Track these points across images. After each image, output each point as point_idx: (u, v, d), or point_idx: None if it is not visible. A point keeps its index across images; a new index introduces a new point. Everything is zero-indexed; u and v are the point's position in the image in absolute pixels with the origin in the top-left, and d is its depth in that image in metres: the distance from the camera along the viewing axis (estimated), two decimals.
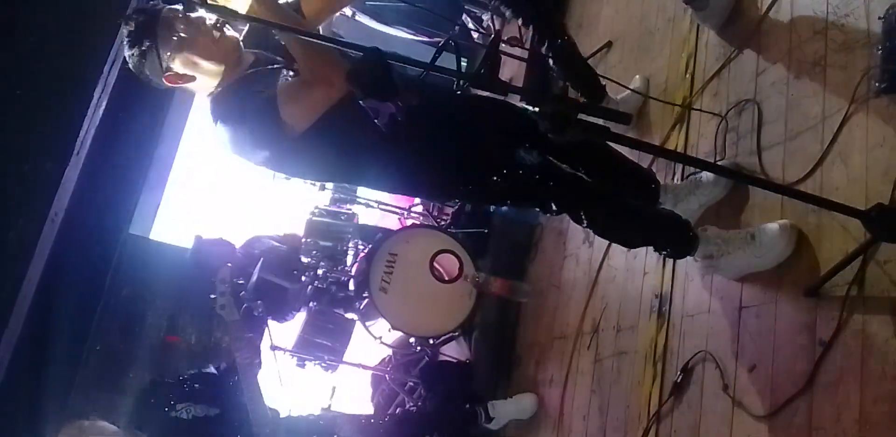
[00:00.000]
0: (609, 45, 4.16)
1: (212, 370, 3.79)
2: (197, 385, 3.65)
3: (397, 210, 5.32)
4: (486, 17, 5.83)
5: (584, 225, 2.55)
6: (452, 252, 4.21)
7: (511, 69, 5.22)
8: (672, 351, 2.81)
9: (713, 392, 2.51)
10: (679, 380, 2.67)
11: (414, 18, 5.25)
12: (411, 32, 5.41)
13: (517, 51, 5.13)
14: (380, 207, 5.26)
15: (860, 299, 2.05)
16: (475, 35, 5.76)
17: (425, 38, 5.52)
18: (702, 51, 3.23)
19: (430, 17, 5.22)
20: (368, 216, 5.25)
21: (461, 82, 1.69)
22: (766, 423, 2.24)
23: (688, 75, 3.25)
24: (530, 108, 1.67)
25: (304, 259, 4.52)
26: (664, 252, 2.62)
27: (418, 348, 4.32)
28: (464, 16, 5.60)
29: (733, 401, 2.39)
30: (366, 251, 4.34)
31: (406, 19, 5.26)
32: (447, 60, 1.74)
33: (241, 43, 2.34)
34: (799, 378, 2.14)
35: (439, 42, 5.26)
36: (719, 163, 2.82)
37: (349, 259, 4.66)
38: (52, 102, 3.53)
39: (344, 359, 4.59)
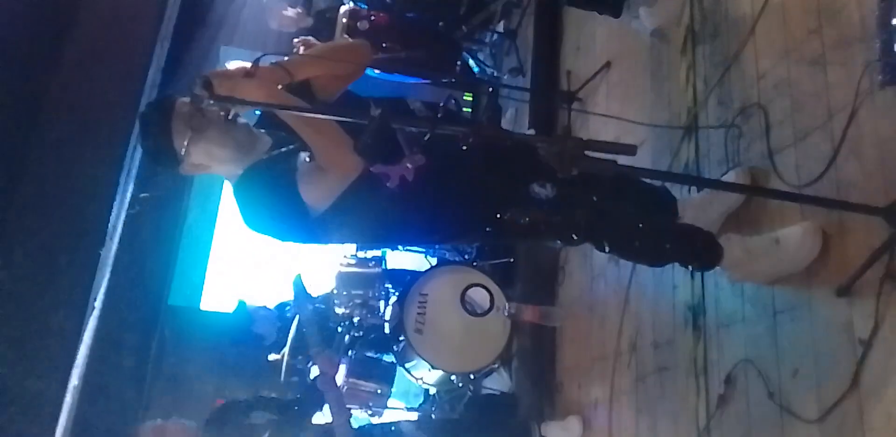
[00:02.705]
0: (608, 64, 4.19)
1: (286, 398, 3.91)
2: (269, 402, 3.75)
3: (422, 249, 5.33)
4: (482, 55, 5.89)
5: (607, 251, 2.55)
6: (481, 285, 4.21)
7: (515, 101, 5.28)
8: (712, 363, 2.79)
9: (759, 401, 2.47)
10: (723, 392, 2.64)
11: (415, 64, 5.31)
12: (414, 78, 5.46)
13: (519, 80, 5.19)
14: (405, 249, 5.28)
15: (894, 294, 2.03)
16: (475, 70, 5.82)
17: (429, 81, 5.58)
18: (700, 61, 3.25)
19: (430, 61, 5.27)
20: (395, 259, 5.27)
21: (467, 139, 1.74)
22: (818, 427, 2.21)
23: (689, 86, 3.27)
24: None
25: (339, 310, 4.54)
26: (691, 267, 2.62)
27: (460, 384, 4.30)
28: (463, 54, 5.66)
29: (781, 408, 2.36)
30: (397, 295, 4.36)
31: (407, 67, 5.31)
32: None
33: (252, 129, 2.40)
34: (844, 379, 2.12)
35: (443, 81, 5.37)
36: (733, 170, 2.81)
37: (382, 304, 4.68)
38: (80, 191, 3.62)
39: (388, 403, 4.59)
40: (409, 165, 1.77)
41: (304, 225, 2.31)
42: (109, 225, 3.75)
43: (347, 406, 3.76)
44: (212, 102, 1.85)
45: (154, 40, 4.33)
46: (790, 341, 2.39)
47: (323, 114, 2.16)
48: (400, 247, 5.16)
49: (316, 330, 3.91)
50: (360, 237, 2.79)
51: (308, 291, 4.34)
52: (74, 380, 3.73)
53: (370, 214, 2.36)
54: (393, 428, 3.98)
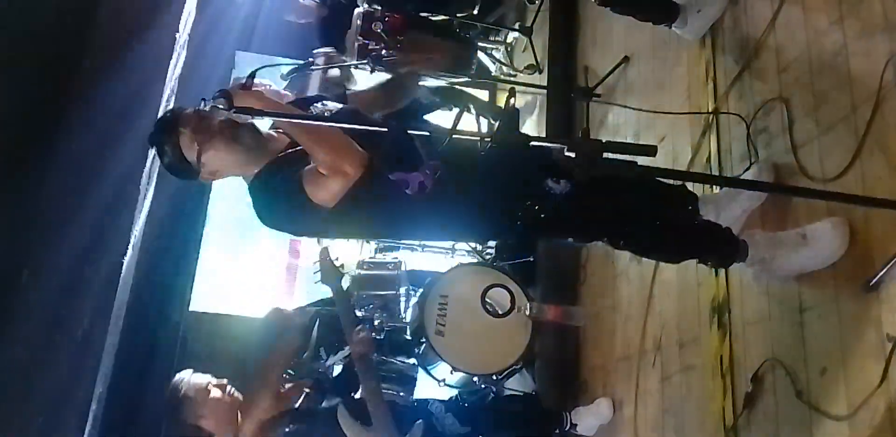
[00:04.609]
0: (626, 59, 4.15)
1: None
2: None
3: (442, 250, 5.31)
4: (498, 54, 5.85)
5: (624, 248, 2.55)
6: (502, 285, 4.18)
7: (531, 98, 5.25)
8: (739, 362, 2.75)
9: (787, 400, 2.43)
10: (751, 391, 2.60)
11: (430, 64, 5.27)
12: (432, 77, 5.44)
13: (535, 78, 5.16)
14: (425, 250, 5.25)
15: None
16: (492, 68, 5.78)
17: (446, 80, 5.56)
18: (719, 55, 3.20)
19: (445, 61, 5.24)
20: (415, 260, 5.24)
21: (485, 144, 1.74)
22: (848, 425, 2.17)
23: (709, 81, 3.22)
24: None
25: (359, 313, 4.52)
26: (708, 263, 2.59)
27: (483, 385, 4.27)
28: (478, 53, 5.63)
29: (809, 406, 2.32)
30: (417, 297, 4.34)
31: (422, 67, 5.28)
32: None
33: (258, 128, 2.44)
34: (873, 376, 2.07)
35: (461, 79, 5.35)
36: (755, 165, 2.77)
37: (402, 306, 4.66)
38: (101, 201, 3.64)
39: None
40: (427, 172, 1.77)
41: (316, 221, 2.37)
42: (133, 233, 3.77)
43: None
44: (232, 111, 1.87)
45: (171, 49, 4.35)
46: (817, 339, 2.35)
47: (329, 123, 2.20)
48: (419, 249, 5.14)
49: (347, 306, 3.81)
50: (373, 234, 2.84)
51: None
52: (99, 387, 3.75)
53: (383, 211, 2.39)
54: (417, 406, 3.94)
